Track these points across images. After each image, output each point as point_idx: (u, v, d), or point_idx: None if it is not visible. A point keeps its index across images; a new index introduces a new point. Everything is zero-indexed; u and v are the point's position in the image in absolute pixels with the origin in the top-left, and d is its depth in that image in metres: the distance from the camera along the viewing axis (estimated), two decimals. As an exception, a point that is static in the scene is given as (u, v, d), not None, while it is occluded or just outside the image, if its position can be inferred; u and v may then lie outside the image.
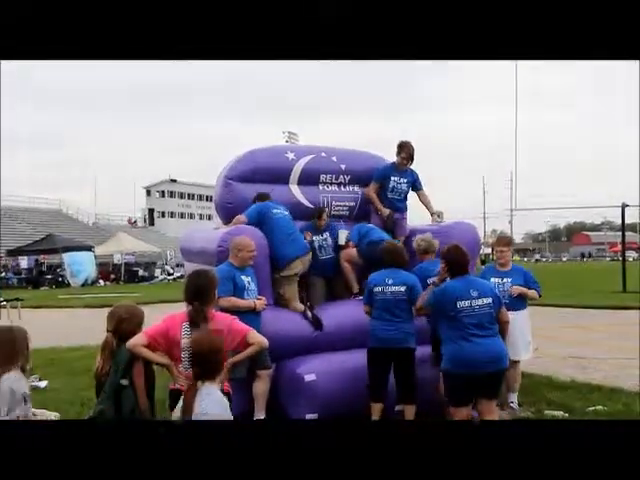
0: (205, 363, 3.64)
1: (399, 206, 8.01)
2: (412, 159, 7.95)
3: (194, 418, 3.53)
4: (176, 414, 3.82)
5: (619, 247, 45.79)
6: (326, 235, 7.73)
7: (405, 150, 7.87)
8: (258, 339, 4.16)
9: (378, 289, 5.98)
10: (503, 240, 7.50)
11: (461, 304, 5.05)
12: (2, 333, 3.98)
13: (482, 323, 5.08)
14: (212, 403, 3.58)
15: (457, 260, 5.28)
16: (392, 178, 7.93)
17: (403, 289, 5.92)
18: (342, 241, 7.71)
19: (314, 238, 7.63)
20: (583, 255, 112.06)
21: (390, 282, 5.96)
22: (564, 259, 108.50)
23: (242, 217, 7.03)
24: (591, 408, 6.77)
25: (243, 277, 6.19)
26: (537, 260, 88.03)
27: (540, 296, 6.98)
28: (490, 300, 5.16)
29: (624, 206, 25.72)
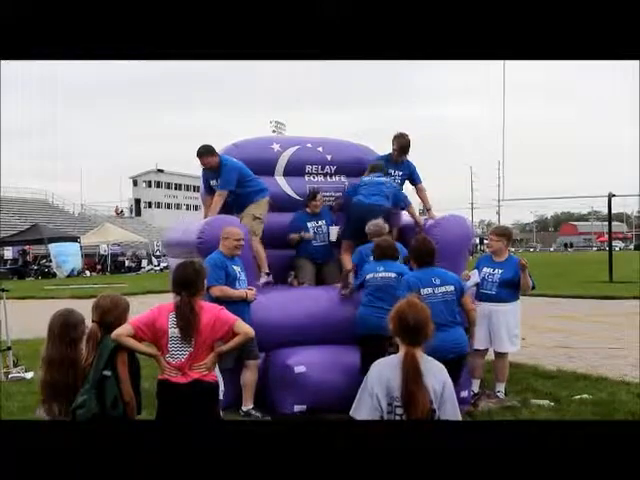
0: (416, 332, 3.49)
1: None
2: (405, 151, 7.84)
3: (425, 382, 3.36)
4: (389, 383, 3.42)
5: (606, 237, 46.11)
6: (321, 223, 7.68)
7: (396, 142, 7.78)
8: (244, 329, 4.14)
9: (370, 276, 6.18)
10: (495, 230, 7.47)
11: (424, 291, 5.38)
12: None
13: (445, 312, 5.38)
14: (435, 367, 3.49)
15: (425, 251, 5.68)
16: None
17: (393, 276, 6.07)
18: (333, 237, 7.65)
19: (308, 224, 7.60)
20: (566, 245, 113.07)
21: (381, 269, 6.16)
22: (551, 249, 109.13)
23: (221, 192, 7.12)
24: (577, 397, 6.82)
25: (235, 267, 6.18)
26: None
27: (534, 288, 6.98)
28: (452, 288, 5.52)
29: (611, 196, 25.86)
